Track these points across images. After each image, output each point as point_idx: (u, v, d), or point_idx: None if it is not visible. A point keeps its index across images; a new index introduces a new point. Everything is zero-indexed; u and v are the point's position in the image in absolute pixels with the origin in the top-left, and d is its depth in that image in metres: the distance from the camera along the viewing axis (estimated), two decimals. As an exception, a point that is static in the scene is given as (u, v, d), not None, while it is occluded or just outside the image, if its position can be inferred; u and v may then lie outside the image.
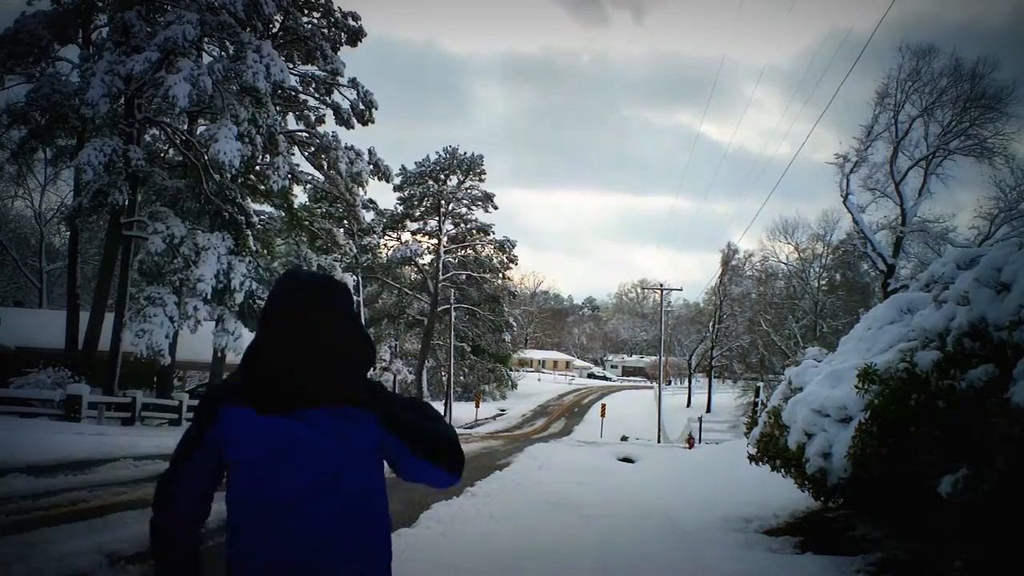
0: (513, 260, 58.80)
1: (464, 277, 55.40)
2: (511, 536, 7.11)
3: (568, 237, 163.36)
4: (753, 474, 8.31)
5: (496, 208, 57.69)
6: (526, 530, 7.63)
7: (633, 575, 6.03)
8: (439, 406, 45.32)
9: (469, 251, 57.48)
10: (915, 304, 6.55)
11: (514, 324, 63.53)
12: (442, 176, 56.88)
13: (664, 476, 14.90)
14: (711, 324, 57.62)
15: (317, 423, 1.81)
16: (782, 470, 7.28)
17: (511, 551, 6.44)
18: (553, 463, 16.10)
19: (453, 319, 51.49)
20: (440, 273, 54.10)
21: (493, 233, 57.67)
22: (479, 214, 57.94)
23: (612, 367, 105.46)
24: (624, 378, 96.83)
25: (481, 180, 57.48)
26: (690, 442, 31.12)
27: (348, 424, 1.83)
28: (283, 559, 1.79)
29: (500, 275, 58.23)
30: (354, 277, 39.90)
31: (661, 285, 51.29)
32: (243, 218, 23.70)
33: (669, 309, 64.58)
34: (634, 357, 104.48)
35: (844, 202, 31.56)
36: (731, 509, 8.83)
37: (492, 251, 58.16)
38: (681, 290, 54.93)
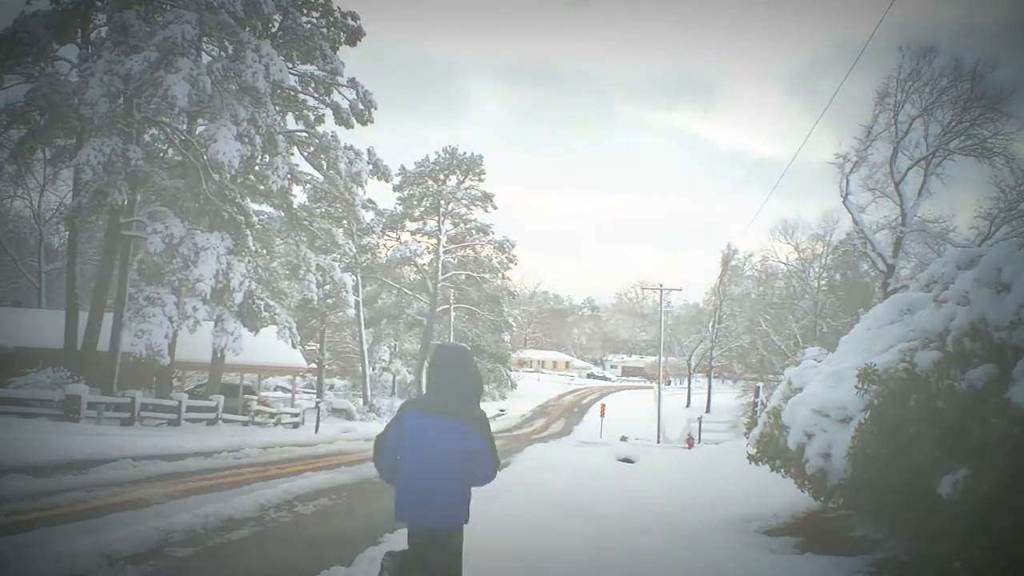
0: (512, 260, 58.65)
1: (463, 277, 55.32)
2: (510, 537, 7.10)
3: (567, 237, 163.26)
4: (753, 474, 8.30)
5: (495, 208, 57.50)
6: (525, 530, 7.63)
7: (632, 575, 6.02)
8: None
9: (468, 251, 57.37)
10: (915, 304, 6.53)
11: (513, 324, 63.48)
12: (441, 176, 56.74)
13: (663, 476, 14.91)
14: (711, 324, 57.58)
15: (446, 424, 3.81)
16: (782, 470, 7.27)
17: (510, 552, 6.43)
18: (552, 463, 16.09)
19: (453, 319, 51.50)
20: (439, 273, 54.04)
21: (492, 233, 57.54)
22: (478, 214, 57.81)
23: (612, 367, 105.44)
24: (624, 378, 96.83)
25: (480, 180, 57.34)
26: (689, 442, 31.10)
27: (459, 427, 3.82)
28: (414, 490, 3.79)
29: (499, 275, 58.10)
30: (353, 277, 39.92)
31: (661, 285, 51.21)
32: (242, 218, 23.68)
33: (669, 309, 64.42)
34: (634, 357, 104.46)
35: (844, 202, 31.55)
36: (731, 509, 8.82)
37: (491, 251, 58.01)
38: (680, 290, 54.61)
